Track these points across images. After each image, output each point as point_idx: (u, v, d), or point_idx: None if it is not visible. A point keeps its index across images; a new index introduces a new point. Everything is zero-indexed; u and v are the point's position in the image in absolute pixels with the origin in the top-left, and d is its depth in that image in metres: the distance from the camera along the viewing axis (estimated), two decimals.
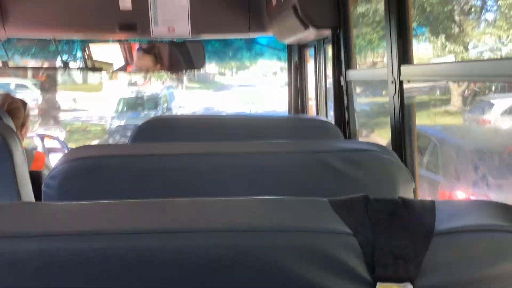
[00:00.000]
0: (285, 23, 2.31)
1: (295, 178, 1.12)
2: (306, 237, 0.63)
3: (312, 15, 2.02)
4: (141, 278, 0.61)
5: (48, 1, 2.70)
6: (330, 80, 2.42)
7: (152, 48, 3.00)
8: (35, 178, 1.70)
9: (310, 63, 2.97)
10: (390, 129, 1.62)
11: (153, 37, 2.77)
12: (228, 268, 0.62)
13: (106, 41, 3.18)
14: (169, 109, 16.14)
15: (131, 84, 19.10)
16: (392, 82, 1.56)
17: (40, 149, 4.18)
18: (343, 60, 2.06)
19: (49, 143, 4.37)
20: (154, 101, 16.32)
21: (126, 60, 3.07)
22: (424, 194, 3.52)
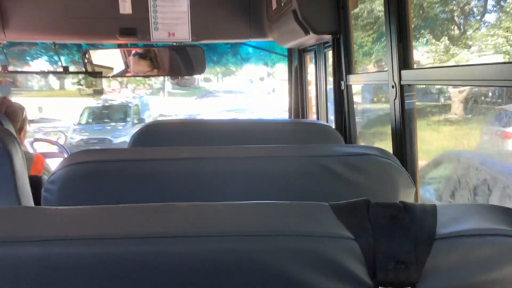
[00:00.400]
0: (285, 28, 2.32)
1: (295, 182, 1.12)
2: (307, 242, 0.63)
3: (312, 20, 2.02)
4: (140, 282, 0.61)
5: (48, 6, 2.70)
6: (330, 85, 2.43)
7: (148, 52, 3.00)
8: (35, 182, 1.69)
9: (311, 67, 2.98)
10: (390, 133, 1.62)
11: (153, 42, 2.77)
12: (228, 272, 0.61)
13: (106, 46, 3.18)
14: (140, 120, 14.52)
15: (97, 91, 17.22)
16: (393, 86, 1.56)
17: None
18: (344, 64, 2.06)
19: (49, 148, 4.37)
20: (123, 111, 14.62)
21: (126, 65, 3.07)
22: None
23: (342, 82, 2.10)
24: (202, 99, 25.51)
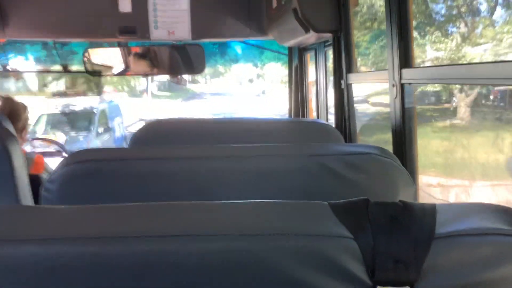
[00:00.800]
0: (285, 26, 2.31)
1: (295, 181, 1.12)
2: (306, 241, 0.63)
3: (313, 19, 2.01)
4: (140, 281, 0.61)
5: (48, 4, 2.70)
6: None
7: (147, 52, 3.00)
8: (35, 181, 1.69)
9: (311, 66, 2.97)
10: (391, 132, 1.61)
11: (153, 40, 2.77)
12: (226, 272, 0.61)
13: (106, 44, 3.18)
14: (107, 129, 12.48)
15: (59, 94, 14.73)
16: (393, 85, 1.55)
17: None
18: (344, 63, 2.06)
19: (48, 147, 4.37)
20: (86, 119, 12.28)
21: (126, 63, 3.07)
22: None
23: (342, 81, 2.10)
24: (188, 102, 24.50)
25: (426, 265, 0.61)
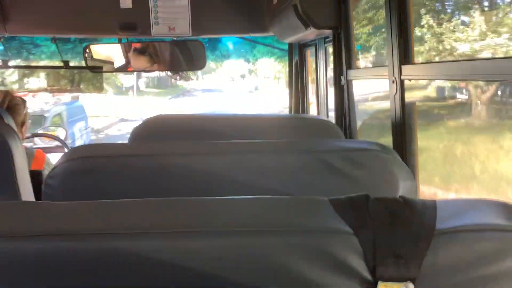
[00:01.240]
0: (285, 23, 2.31)
1: (295, 177, 1.12)
2: (307, 236, 0.63)
3: (313, 15, 2.01)
4: (142, 277, 0.61)
5: (49, 1, 2.70)
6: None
7: (147, 48, 3.00)
8: (36, 177, 1.70)
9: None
10: (391, 128, 1.62)
11: (153, 37, 2.76)
12: (228, 267, 0.62)
13: (107, 40, 3.18)
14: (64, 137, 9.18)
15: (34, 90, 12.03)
16: (393, 81, 1.56)
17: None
18: (344, 59, 2.06)
19: (48, 143, 4.36)
20: (34, 125, 8.49)
21: (127, 59, 3.06)
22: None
23: (343, 77, 2.10)
24: (177, 99, 23.25)
25: (426, 260, 0.62)
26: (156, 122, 1.67)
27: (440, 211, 0.67)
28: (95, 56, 3.04)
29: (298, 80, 3.05)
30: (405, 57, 1.52)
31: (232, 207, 0.73)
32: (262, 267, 0.62)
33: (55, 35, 2.95)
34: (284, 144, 1.23)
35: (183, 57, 2.98)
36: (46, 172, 2.04)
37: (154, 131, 1.61)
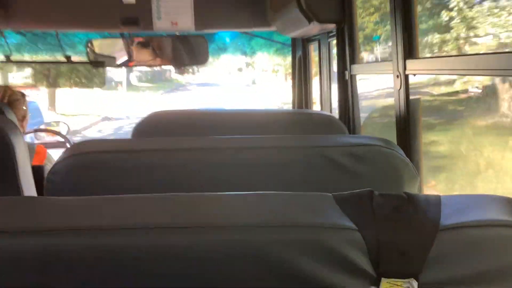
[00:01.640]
0: (288, 17, 2.30)
1: (299, 173, 1.12)
2: (310, 232, 0.63)
3: (316, 9, 2.00)
4: (144, 273, 0.61)
5: None
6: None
7: (149, 41, 2.99)
8: (38, 172, 1.70)
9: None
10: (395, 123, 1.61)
11: (156, 31, 2.76)
12: (230, 263, 0.61)
13: (109, 35, 3.18)
14: None
15: None
16: (398, 76, 1.55)
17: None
18: (348, 54, 2.05)
19: (51, 138, 4.37)
20: None
21: (129, 54, 3.07)
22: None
23: (346, 72, 2.09)
24: (170, 94, 21.93)
25: (430, 256, 0.61)
26: (158, 118, 1.66)
27: (444, 207, 0.66)
28: (97, 51, 3.04)
29: (301, 75, 3.05)
30: (410, 51, 1.51)
31: (235, 202, 0.72)
32: (265, 263, 0.61)
33: (57, 30, 2.95)
34: (287, 139, 1.22)
35: (185, 52, 2.97)
36: (47, 168, 2.04)
37: (156, 127, 1.61)
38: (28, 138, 4.10)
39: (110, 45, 3.12)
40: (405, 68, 1.51)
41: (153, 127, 1.61)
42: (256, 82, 26.08)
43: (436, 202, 0.67)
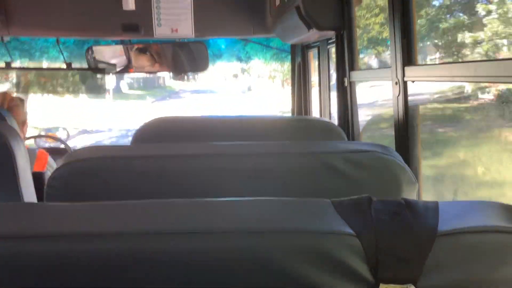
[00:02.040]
0: (288, 24, 2.31)
1: (298, 179, 1.12)
2: (309, 238, 0.63)
3: (316, 16, 2.01)
4: (144, 279, 0.61)
5: (52, 2, 2.70)
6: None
7: (147, 47, 3.00)
8: (38, 178, 1.70)
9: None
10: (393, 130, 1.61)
11: (156, 38, 2.77)
12: (230, 269, 0.61)
13: (109, 42, 3.18)
14: None
15: None
16: (396, 83, 1.55)
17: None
18: (347, 61, 2.05)
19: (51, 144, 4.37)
20: None
21: (129, 60, 3.07)
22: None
23: (345, 79, 2.10)
24: (161, 102, 20.65)
25: (428, 262, 0.62)
26: (158, 124, 1.67)
27: (442, 213, 0.66)
28: (97, 58, 3.05)
29: (300, 82, 3.05)
30: (408, 58, 1.51)
31: (235, 208, 0.73)
32: (264, 269, 0.61)
33: (57, 36, 2.96)
34: (286, 145, 1.23)
35: (185, 59, 2.98)
36: (49, 173, 2.04)
37: (156, 133, 1.61)
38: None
39: (110, 52, 3.13)
40: (403, 75, 1.52)
41: (154, 133, 1.61)
42: (251, 89, 25.35)
43: (434, 208, 0.67)
